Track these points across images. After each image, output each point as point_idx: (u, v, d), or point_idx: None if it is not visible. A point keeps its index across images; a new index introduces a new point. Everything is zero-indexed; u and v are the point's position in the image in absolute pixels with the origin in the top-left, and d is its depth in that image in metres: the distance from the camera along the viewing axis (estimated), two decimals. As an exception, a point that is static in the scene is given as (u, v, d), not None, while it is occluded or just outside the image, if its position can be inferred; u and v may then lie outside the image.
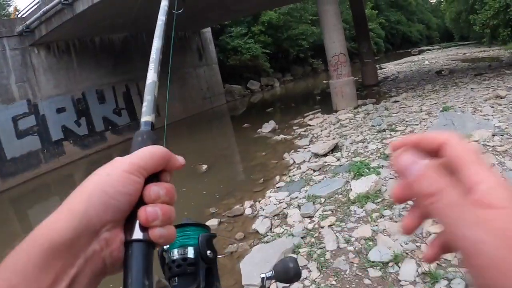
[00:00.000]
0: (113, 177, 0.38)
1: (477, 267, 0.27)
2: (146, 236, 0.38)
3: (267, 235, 4.16)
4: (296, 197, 4.90)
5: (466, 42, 35.77)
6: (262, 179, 6.34)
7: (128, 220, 0.39)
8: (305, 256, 3.35)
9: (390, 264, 2.89)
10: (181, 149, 12.05)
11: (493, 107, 7.16)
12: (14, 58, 11.25)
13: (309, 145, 7.76)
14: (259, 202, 5.21)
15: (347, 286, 2.85)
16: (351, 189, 4.40)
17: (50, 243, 0.33)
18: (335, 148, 6.63)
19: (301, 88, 23.23)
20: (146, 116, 0.49)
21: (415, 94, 10.87)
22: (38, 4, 11.49)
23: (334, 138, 7.53)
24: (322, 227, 3.80)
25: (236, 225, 4.81)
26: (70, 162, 12.11)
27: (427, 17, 59.94)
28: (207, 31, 20.05)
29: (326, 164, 5.99)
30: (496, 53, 21.21)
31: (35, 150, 11.38)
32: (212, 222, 4.93)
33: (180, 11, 1.11)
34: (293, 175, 5.94)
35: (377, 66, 20.99)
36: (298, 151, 7.39)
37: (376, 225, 3.49)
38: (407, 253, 2.92)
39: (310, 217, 4.16)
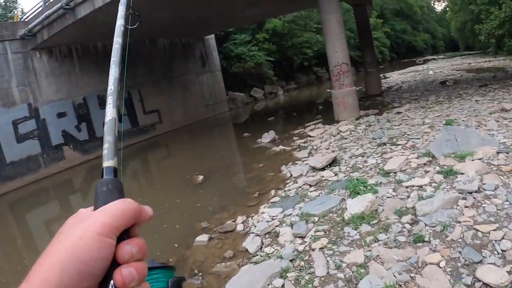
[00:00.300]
0: (86, 241, 0.37)
1: None
2: None
3: (257, 255, 3.99)
4: (290, 214, 4.73)
5: (471, 52, 35.48)
6: (257, 192, 6.17)
7: (103, 283, 0.38)
8: (293, 282, 3.17)
9: (381, 297, 2.70)
10: (179, 157, 11.94)
11: (498, 121, 6.93)
12: (15, 62, 11.22)
13: (307, 157, 7.58)
14: (251, 218, 5.03)
15: (335, 318, 2.66)
16: (346, 208, 4.22)
17: None
18: (333, 162, 6.44)
19: (305, 97, 23.10)
20: (109, 161, 0.46)
21: (418, 106, 10.67)
22: (40, 8, 11.52)
23: (333, 151, 7.35)
24: (313, 250, 3.62)
25: (227, 241, 4.65)
26: (69, 167, 12.02)
27: (432, 27, 59.65)
28: (211, 38, 20.00)
29: (323, 178, 5.81)
30: (501, 63, 20.98)
31: (35, 155, 11.30)
32: (202, 238, 4.78)
33: (135, 26, 1.02)
34: (289, 190, 5.76)
35: (381, 75, 20.82)
36: (296, 164, 7.22)
37: (370, 250, 3.30)
38: (399, 285, 2.73)
39: (302, 237, 3.98)
